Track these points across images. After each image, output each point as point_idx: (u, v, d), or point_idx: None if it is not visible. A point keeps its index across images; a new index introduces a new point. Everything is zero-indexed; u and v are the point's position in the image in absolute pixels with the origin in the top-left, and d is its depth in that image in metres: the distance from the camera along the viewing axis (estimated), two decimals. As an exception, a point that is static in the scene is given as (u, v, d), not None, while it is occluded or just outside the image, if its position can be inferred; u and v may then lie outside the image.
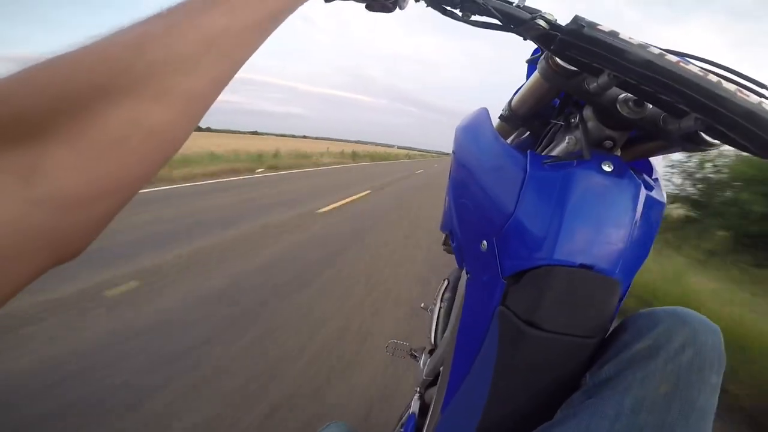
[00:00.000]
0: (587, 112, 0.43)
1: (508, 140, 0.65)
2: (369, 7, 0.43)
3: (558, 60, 0.38)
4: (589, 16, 0.33)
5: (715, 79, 0.31)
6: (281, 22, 0.30)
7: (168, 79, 0.21)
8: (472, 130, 0.56)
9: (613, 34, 0.32)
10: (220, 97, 0.26)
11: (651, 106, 0.39)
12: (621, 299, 0.40)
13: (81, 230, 0.20)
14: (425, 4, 0.42)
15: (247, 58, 0.26)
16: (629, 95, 0.39)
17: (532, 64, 0.53)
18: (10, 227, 0.17)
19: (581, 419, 0.36)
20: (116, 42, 0.20)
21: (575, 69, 0.38)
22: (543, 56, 0.40)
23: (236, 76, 0.26)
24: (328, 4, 0.41)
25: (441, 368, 0.62)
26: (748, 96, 0.31)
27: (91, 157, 0.19)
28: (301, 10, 0.32)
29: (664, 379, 0.35)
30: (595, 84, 0.37)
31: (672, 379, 0.35)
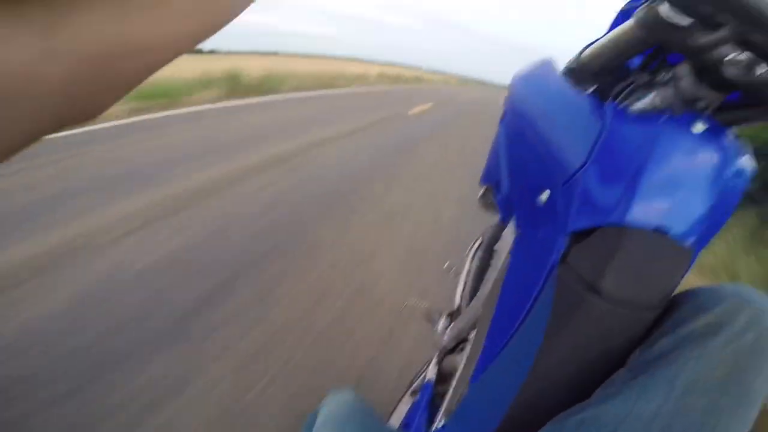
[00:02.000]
0: (683, 68, 0.38)
1: None
2: None
3: (666, 8, 0.33)
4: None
5: None
6: None
7: None
8: (536, 78, 0.52)
9: None
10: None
11: (765, 68, 0.34)
12: (687, 270, 0.38)
13: (101, 88, 0.18)
14: None
15: None
16: (741, 55, 0.35)
17: (625, 14, 0.47)
18: (25, 75, 0.16)
19: (626, 398, 0.34)
20: None
21: (688, 21, 0.33)
22: (648, 2, 0.35)
23: None
24: None
25: (471, 335, 0.60)
26: None
27: (123, 14, 0.17)
28: None
29: (720, 362, 0.33)
30: (706, 39, 0.32)
31: (730, 362, 0.33)
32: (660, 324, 0.37)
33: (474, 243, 0.75)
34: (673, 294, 0.38)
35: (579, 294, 0.36)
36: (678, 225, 0.35)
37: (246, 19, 0.25)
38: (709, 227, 0.37)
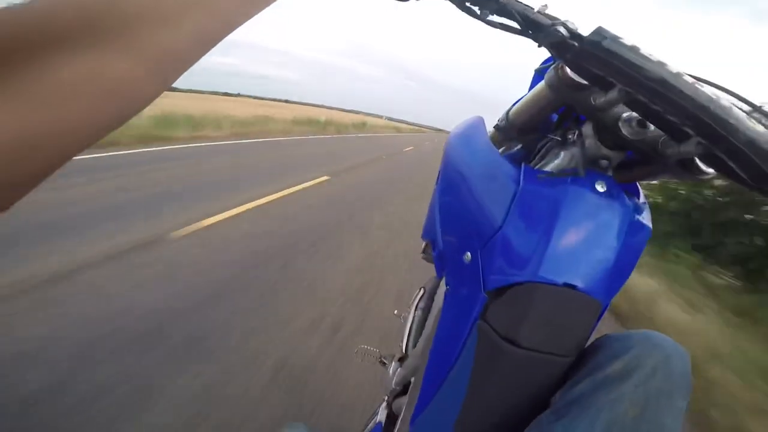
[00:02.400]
0: (587, 128, 0.43)
1: (499, 152, 0.63)
2: None
3: (568, 71, 0.37)
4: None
5: (727, 104, 0.31)
6: None
7: (142, 33, 0.19)
8: (466, 137, 0.55)
9: (635, 49, 0.32)
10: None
11: (653, 128, 0.39)
12: (598, 319, 0.40)
13: (18, 180, 0.18)
14: None
15: (243, 21, 0.24)
16: (633, 114, 0.39)
17: (539, 74, 0.52)
18: None
19: None
20: None
21: (585, 82, 0.37)
22: (554, 66, 0.40)
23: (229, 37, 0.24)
24: None
25: (412, 379, 0.61)
26: (755, 125, 0.31)
27: (43, 102, 0.17)
28: None
29: (633, 403, 0.35)
30: (603, 99, 0.36)
31: (641, 403, 0.35)
32: (580, 367, 0.39)
33: (418, 292, 0.77)
34: (587, 340, 0.40)
35: (498, 345, 0.38)
36: (585, 279, 0.37)
37: (207, 59, 0.25)
38: (615, 279, 0.39)
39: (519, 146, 0.61)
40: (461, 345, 0.42)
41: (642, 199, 0.48)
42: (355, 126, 24.52)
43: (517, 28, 0.38)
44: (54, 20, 0.17)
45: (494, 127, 0.58)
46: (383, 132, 28.76)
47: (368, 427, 0.92)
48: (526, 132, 0.54)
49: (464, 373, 0.41)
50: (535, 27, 0.37)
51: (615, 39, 0.32)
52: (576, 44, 0.34)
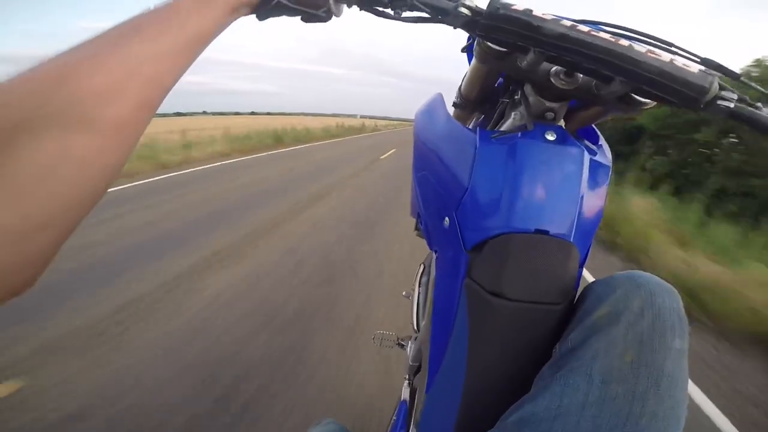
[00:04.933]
0: (527, 88, 0.45)
1: (469, 125, 0.66)
2: (305, 20, 0.43)
3: (488, 43, 0.39)
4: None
5: (626, 43, 0.34)
6: (208, 44, 0.30)
7: (93, 108, 0.21)
8: (428, 114, 0.58)
9: (527, 12, 0.35)
10: (186, 78, 0.26)
11: (581, 75, 0.41)
12: (581, 264, 0.42)
13: (24, 264, 0.20)
14: (358, 9, 0.42)
15: (175, 81, 0.27)
16: (559, 68, 0.41)
17: (468, 52, 0.55)
18: None
19: (554, 392, 0.35)
20: (37, 75, 0.21)
21: (504, 50, 0.39)
22: (476, 42, 0.42)
23: (203, 56, 0.26)
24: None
25: (423, 351, 0.64)
26: (659, 56, 0.34)
27: (20, 192, 0.19)
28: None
29: (628, 347, 0.34)
30: (525, 61, 0.38)
31: (635, 346, 0.34)
32: (571, 318, 0.40)
33: (419, 270, 0.80)
34: (575, 286, 0.41)
35: (487, 300, 0.40)
36: (555, 223, 0.39)
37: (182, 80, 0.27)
38: (585, 221, 0.41)
39: (482, 117, 0.65)
40: (455, 306, 0.44)
41: (600, 140, 0.51)
42: (325, 132, 19.31)
43: (429, 18, 0.40)
44: (9, 104, 0.19)
45: (453, 104, 0.61)
46: (361, 133, 24.67)
47: (395, 410, 0.96)
48: (481, 102, 0.57)
49: (462, 334, 0.42)
50: (443, 12, 0.39)
51: (507, 7, 0.35)
52: (479, 19, 0.37)
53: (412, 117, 0.65)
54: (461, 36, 0.47)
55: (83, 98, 0.21)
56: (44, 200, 0.20)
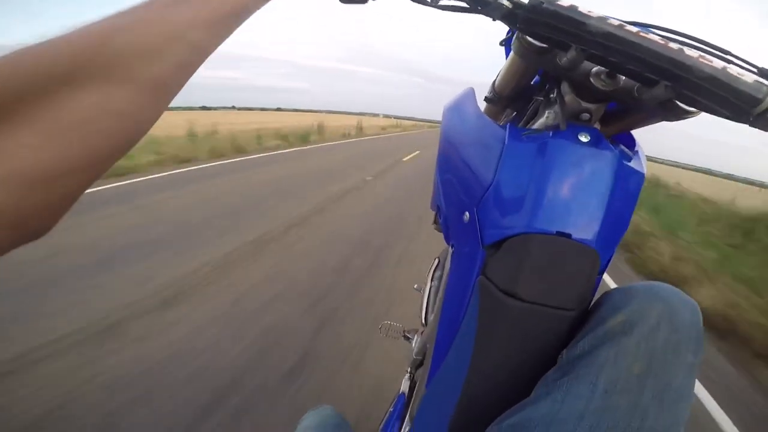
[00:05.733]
0: (564, 86, 0.44)
1: (500, 122, 0.65)
2: (343, 0, 0.43)
3: (528, 38, 0.38)
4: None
5: (676, 46, 0.32)
6: (250, 15, 0.31)
7: (134, 67, 0.22)
8: (457, 108, 0.57)
9: (572, 8, 0.33)
10: (222, 74, 0.25)
11: (624, 77, 0.39)
12: (602, 272, 0.40)
13: (47, 208, 0.21)
14: None
15: (215, 48, 0.28)
16: (601, 68, 0.40)
17: (506, 45, 0.53)
18: None
19: (555, 398, 0.35)
20: (85, 33, 0.22)
21: (544, 46, 0.38)
22: (515, 35, 0.40)
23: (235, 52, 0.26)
24: None
25: (428, 345, 0.63)
26: (711, 62, 0.31)
27: (57, 138, 0.20)
28: None
29: (638, 358, 0.34)
30: (565, 59, 0.37)
31: (646, 359, 0.34)
32: (584, 324, 0.39)
33: (433, 263, 0.79)
34: (592, 293, 0.40)
35: (499, 299, 0.39)
36: (579, 227, 0.38)
37: (212, 74, 0.26)
38: (611, 228, 0.39)
39: (514, 114, 0.63)
40: (466, 303, 0.43)
41: (636, 147, 0.49)
42: (344, 133, 18.09)
43: (467, 7, 0.39)
44: (54, 60, 0.20)
45: (485, 99, 0.59)
46: (385, 133, 25.04)
47: (394, 401, 0.96)
48: (515, 99, 0.55)
49: (470, 331, 0.42)
50: (482, 3, 0.37)
51: (551, 1, 0.33)
52: (520, 12, 0.35)
53: (436, 118, 0.64)
54: (493, 35, 0.46)
55: (129, 56, 0.22)
56: (78, 147, 0.21)
